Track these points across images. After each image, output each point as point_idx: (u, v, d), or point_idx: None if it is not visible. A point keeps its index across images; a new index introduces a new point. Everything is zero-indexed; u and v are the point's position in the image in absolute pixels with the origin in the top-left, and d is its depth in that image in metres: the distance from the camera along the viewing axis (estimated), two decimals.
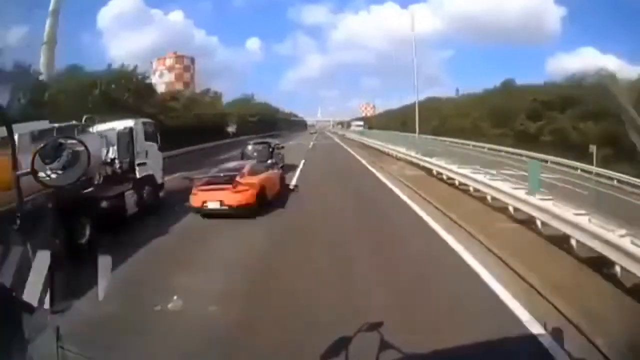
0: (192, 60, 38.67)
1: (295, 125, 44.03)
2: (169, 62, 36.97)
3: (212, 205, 7.14)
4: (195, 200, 7.43)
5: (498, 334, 2.84)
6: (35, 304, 1.30)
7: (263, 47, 40.89)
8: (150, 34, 37.04)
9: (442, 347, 2.58)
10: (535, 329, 3.10)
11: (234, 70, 41.85)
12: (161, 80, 34.67)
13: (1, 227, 1.23)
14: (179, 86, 35.76)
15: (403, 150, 17.09)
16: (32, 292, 1.28)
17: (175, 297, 3.32)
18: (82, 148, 1.31)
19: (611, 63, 27.05)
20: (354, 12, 46.56)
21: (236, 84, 40.52)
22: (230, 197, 7.12)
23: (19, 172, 1.27)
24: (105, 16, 35.53)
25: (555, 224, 5.33)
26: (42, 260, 1.26)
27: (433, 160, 12.44)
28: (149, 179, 8.36)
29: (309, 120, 47.57)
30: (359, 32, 40.06)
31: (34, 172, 1.28)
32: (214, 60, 41.79)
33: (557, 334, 3.02)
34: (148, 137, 8.53)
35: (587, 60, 29.08)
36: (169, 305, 3.21)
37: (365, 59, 45.25)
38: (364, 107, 44.84)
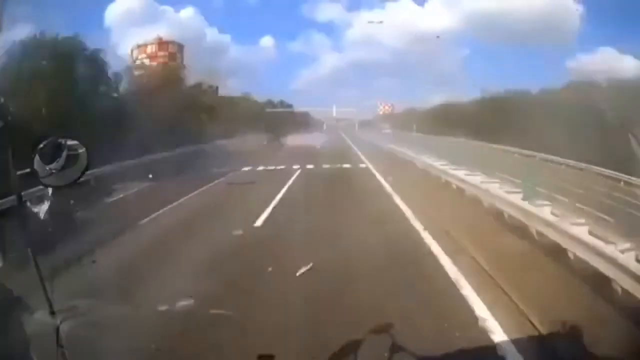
0: (181, 47, 36.90)
1: (278, 123, 37.05)
2: (150, 49, 35.97)
3: None
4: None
5: None
6: (35, 304, 1.45)
7: (277, 45, 41.10)
8: (160, 31, 37.01)
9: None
10: None
11: (248, 68, 41.83)
12: (142, 72, 34.06)
13: (1, 226, 1.38)
14: None
15: None
16: (32, 292, 1.43)
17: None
18: (82, 149, 1.46)
19: (629, 63, 27.73)
20: (369, 9, 47.88)
21: (250, 82, 40.55)
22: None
23: (19, 172, 1.42)
24: (112, 13, 35.56)
25: None
26: (42, 260, 1.41)
27: None
28: None
29: (321, 116, 47.34)
30: (375, 29, 40.97)
31: (33, 173, 1.43)
32: (227, 58, 41.55)
33: None
34: None
35: (605, 60, 29.70)
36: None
37: (380, 57, 45.85)
38: (381, 105, 45.41)
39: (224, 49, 44.09)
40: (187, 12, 41.90)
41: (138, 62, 33.81)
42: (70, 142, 1.46)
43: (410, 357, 3.30)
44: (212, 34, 43.62)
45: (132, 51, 34.92)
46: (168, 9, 41.42)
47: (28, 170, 1.41)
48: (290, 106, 44.47)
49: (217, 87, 34.74)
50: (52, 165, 1.43)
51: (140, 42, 35.20)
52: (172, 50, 36.65)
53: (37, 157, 1.42)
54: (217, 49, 42.43)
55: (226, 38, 45.23)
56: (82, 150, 1.47)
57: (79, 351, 1.43)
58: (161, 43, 36.29)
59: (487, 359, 3.75)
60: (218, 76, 36.04)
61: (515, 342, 3.74)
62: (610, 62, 28.68)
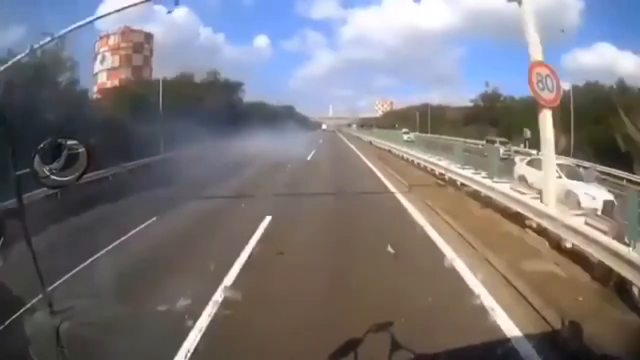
0: (149, 36, 34.70)
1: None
2: (113, 40, 34.50)
3: None
4: None
5: None
6: (35, 304, 1.59)
7: (271, 44, 42.64)
8: (153, 32, 36.71)
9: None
10: None
11: (242, 68, 42.58)
12: (102, 67, 32.43)
13: (1, 226, 1.52)
14: (126, 73, 33.20)
15: None
16: (32, 292, 1.57)
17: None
18: (82, 149, 1.61)
19: (627, 59, 29.76)
20: (365, 6, 50.00)
21: (244, 82, 41.72)
22: None
23: (19, 172, 1.57)
24: (103, 12, 35.33)
25: None
26: (42, 260, 1.55)
27: None
28: None
29: (317, 118, 47.64)
30: (370, 27, 42.94)
31: (33, 173, 1.58)
32: (221, 57, 42.43)
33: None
34: None
35: (602, 56, 31.76)
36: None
37: (376, 55, 47.82)
38: (380, 103, 45.73)
39: (218, 49, 43.91)
40: (181, 12, 41.40)
41: (99, 56, 32.54)
42: (70, 142, 1.61)
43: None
44: (206, 34, 43.39)
45: (94, 43, 33.47)
46: (161, 8, 40.56)
47: (27, 170, 1.56)
48: (240, 86, 41.27)
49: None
50: (52, 165, 1.58)
51: (104, 32, 33.75)
52: (137, 40, 34.97)
53: (37, 157, 1.56)
54: (211, 49, 42.26)
55: (220, 37, 44.91)
56: (81, 149, 1.62)
57: (79, 351, 1.57)
58: (125, 32, 34.68)
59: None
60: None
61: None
62: (606, 57, 30.01)
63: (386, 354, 2.13)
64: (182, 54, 35.47)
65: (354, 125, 45.90)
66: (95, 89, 30.89)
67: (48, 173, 1.57)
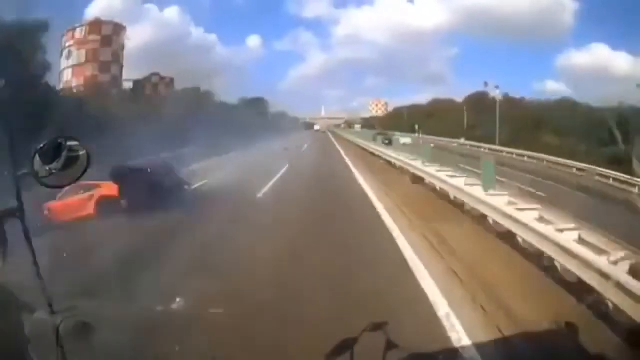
0: (119, 28, 32.45)
1: None
2: (80, 33, 32.82)
3: None
4: None
5: None
6: (35, 304, 1.65)
7: (264, 44, 43.29)
8: (143, 32, 35.83)
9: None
10: None
11: (234, 68, 42.47)
12: (68, 63, 28.57)
13: (1, 226, 1.58)
14: (92, 70, 28.73)
15: None
16: (32, 292, 1.63)
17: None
18: (83, 150, 1.69)
19: (623, 61, 31.10)
20: (357, 6, 51.80)
21: (236, 83, 41.57)
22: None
23: (19, 173, 1.64)
24: (92, 12, 34.61)
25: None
26: (42, 260, 1.61)
27: None
28: None
29: (308, 118, 47.39)
30: (363, 27, 44.21)
31: (34, 173, 1.65)
32: (213, 58, 42.63)
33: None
34: None
35: (597, 57, 33.05)
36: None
37: (369, 55, 49.28)
38: (374, 104, 45.54)
39: (210, 49, 43.66)
40: (172, 12, 40.59)
41: (65, 51, 30.90)
42: (70, 143, 1.69)
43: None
44: (197, 34, 43.10)
45: (62, 36, 31.93)
46: (152, 7, 40.00)
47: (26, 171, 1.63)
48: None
49: None
50: (52, 166, 1.65)
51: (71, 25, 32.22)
52: (106, 32, 32.84)
53: (37, 157, 1.64)
54: (203, 49, 41.88)
55: (212, 37, 44.72)
56: (82, 151, 1.70)
57: (79, 351, 1.64)
58: (92, 24, 32.42)
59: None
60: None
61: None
62: (601, 58, 31.32)
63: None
64: (172, 53, 35.04)
65: (357, 126, 43.48)
66: (60, 87, 28.57)
67: (48, 173, 1.64)
